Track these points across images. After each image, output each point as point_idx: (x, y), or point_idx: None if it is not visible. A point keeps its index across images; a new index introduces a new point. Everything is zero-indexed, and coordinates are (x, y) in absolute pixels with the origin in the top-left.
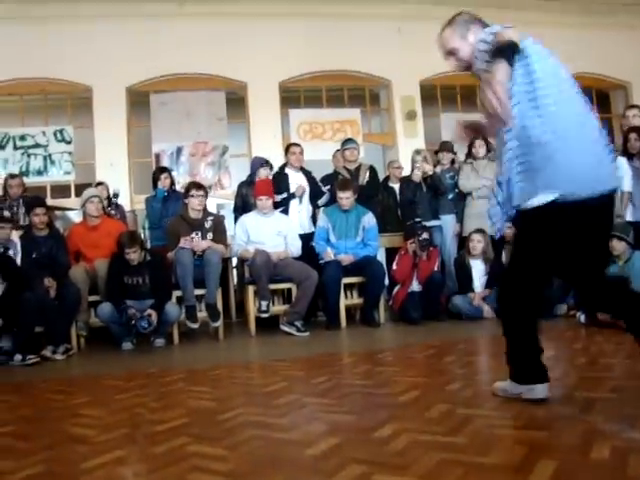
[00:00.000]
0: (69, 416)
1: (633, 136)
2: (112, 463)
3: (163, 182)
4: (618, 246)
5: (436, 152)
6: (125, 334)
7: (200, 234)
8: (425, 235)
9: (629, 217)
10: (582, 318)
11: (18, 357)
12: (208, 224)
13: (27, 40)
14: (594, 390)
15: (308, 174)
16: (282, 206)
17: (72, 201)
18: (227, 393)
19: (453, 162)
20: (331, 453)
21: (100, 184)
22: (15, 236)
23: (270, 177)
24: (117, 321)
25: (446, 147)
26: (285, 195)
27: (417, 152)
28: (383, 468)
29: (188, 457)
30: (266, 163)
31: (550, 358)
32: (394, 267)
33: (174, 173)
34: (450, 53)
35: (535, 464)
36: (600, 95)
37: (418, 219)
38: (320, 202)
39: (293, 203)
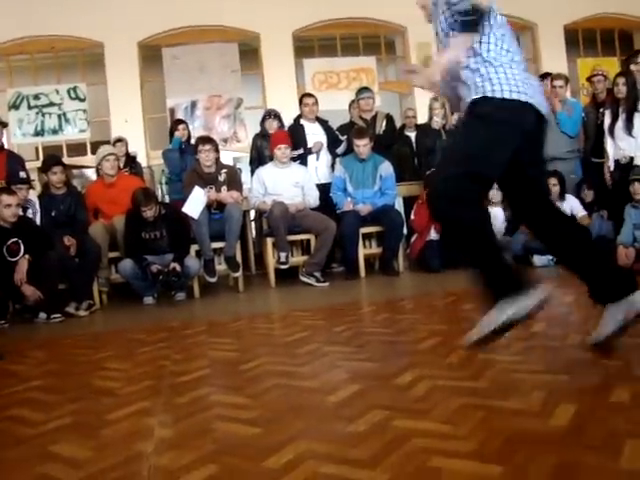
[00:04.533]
0: (94, 370)
1: None
2: (137, 414)
3: (181, 132)
4: None
5: None
6: (147, 289)
7: (214, 188)
8: None
9: None
10: None
11: (42, 315)
12: (222, 177)
13: None
14: None
15: (324, 124)
16: (299, 160)
17: (88, 159)
18: (249, 344)
19: None
20: (352, 400)
21: (119, 140)
22: (33, 195)
23: (277, 128)
24: (139, 277)
25: None
26: (302, 151)
27: (435, 99)
28: (404, 413)
29: (212, 406)
30: (269, 115)
31: (570, 304)
32: (412, 217)
33: (190, 127)
34: None
35: (555, 408)
36: (623, 36)
37: (434, 169)
38: (339, 150)
39: (310, 157)
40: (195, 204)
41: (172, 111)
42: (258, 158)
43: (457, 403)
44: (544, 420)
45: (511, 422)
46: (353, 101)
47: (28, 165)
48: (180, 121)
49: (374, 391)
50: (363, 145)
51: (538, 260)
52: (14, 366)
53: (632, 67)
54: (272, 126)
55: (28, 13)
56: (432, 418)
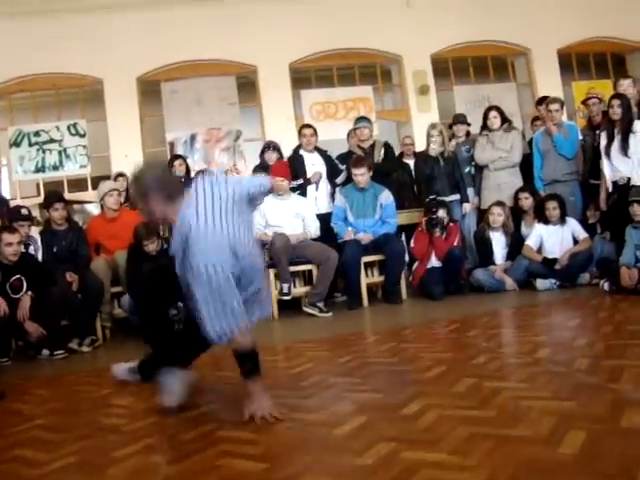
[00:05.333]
0: (99, 407)
1: None
2: (143, 451)
3: (178, 168)
4: (639, 211)
5: (450, 125)
6: None
7: None
8: (441, 212)
9: None
10: (606, 286)
11: (45, 352)
12: None
13: (35, 35)
14: (621, 358)
15: (323, 153)
16: (298, 190)
17: (89, 194)
18: None
19: (468, 134)
20: (359, 432)
21: (121, 175)
22: (35, 232)
23: (277, 159)
24: None
25: (460, 119)
26: (301, 181)
27: (433, 126)
28: (412, 444)
29: (217, 442)
30: (268, 147)
31: (575, 327)
32: (412, 244)
33: (189, 160)
34: None
35: (564, 435)
36: (616, 58)
37: (432, 196)
38: (338, 180)
39: (310, 188)
40: None
41: (172, 145)
42: None
43: (465, 432)
44: (554, 448)
45: (520, 451)
46: (351, 130)
47: (30, 202)
48: (177, 156)
49: (381, 422)
50: (361, 174)
51: (541, 284)
52: (17, 404)
53: None
54: (271, 158)
55: (28, 52)
56: (440, 448)
